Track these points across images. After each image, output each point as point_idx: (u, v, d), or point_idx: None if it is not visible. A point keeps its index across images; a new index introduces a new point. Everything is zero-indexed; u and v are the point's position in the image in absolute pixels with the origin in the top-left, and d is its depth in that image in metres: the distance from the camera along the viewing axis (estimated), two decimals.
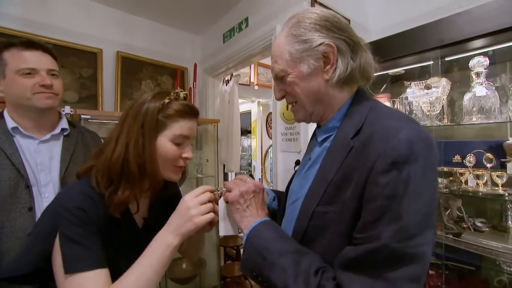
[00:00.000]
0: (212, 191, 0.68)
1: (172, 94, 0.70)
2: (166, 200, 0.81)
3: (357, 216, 0.48)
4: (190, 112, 0.71)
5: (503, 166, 1.03)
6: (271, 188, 0.84)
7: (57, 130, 1.01)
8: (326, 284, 0.46)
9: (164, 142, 0.68)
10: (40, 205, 0.91)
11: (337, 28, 0.58)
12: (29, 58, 0.92)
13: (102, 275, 0.59)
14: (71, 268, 0.57)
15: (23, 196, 0.88)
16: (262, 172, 4.08)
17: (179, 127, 0.69)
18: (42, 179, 0.93)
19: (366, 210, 0.47)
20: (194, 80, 2.33)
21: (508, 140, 0.98)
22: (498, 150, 1.06)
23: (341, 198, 0.52)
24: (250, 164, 4.40)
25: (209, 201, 0.66)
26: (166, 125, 0.68)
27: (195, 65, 2.35)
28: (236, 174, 4.39)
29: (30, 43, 0.93)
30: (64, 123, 1.05)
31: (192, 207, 0.63)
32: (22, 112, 0.94)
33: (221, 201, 0.68)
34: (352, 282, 0.45)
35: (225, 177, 3.45)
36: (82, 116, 1.45)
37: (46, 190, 0.93)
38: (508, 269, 1.01)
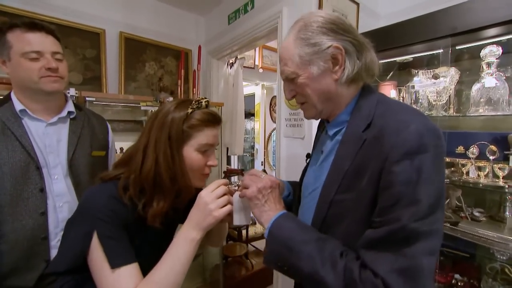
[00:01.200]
0: (225, 184, 0.71)
1: (194, 103, 0.72)
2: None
3: (373, 203, 0.53)
4: (214, 121, 0.74)
5: (506, 159, 1.04)
6: (279, 177, 0.88)
7: (64, 113, 1.02)
8: (352, 264, 0.51)
9: (190, 152, 0.71)
10: (51, 186, 0.94)
11: (343, 30, 0.61)
12: (33, 40, 0.90)
13: (137, 268, 0.65)
14: (115, 263, 0.62)
15: (34, 178, 0.91)
16: (264, 156, 4.10)
17: (204, 136, 0.72)
18: (51, 161, 0.96)
19: (383, 197, 0.52)
20: (199, 62, 2.30)
21: None
22: (502, 142, 1.06)
23: (357, 187, 0.56)
24: (253, 147, 4.43)
25: (224, 194, 0.69)
26: (191, 135, 0.71)
27: (199, 47, 2.31)
28: (238, 157, 4.44)
29: (33, 24, 0.92)
30: (70, 106, 1.06)
31: (210, 202, 0.66)
32: (29, 94, 0.95)
33: (235, 195, 0.72)
34: (376, 259, 0.49)
35: (228, 161, 3.49)
36: (87, 98, 1.46)
37: (55, 171, 0.96)
38: (501, 257, 1.04)
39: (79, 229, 0.65)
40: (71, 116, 1.05)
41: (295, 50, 0.63)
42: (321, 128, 0.85)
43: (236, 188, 0.74)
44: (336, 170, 0.62)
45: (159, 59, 2.24)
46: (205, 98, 0.75)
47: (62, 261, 0.66)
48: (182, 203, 0.77)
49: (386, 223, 0.50)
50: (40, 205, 0.91)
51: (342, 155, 0.61)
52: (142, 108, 1.79)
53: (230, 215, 0.71)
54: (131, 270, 0.63)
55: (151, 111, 2.03)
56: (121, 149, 1.90)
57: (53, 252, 0.92)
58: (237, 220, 0.73)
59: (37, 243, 0.90)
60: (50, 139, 0.97)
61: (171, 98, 1.87)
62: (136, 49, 2.09)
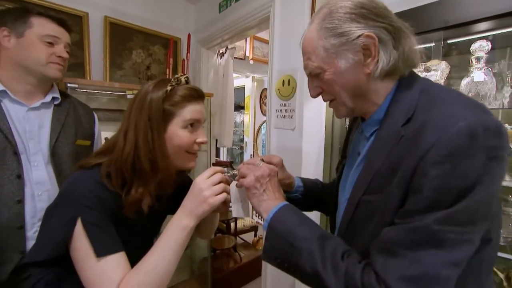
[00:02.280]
0: (222, 172, 0.68)
1: (173, 80, 0.69)
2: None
3: (402, 206, 0.47)
4: (196, 95, 0.71)
5: None
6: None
7: (48, 98, 0.98)
8: (353, 268, 0.47)
9: (176, 130, 0.68)
10: (29, 173, 0.90)
11: (376, 14, 0.52)
12: (55, 28, 0.95)
13: (124, 258, 0.61)
14: (101, 252, 0.58)
15: (10, 163, 0.86)
16: (254, 148, 4.09)
17: (188, 112, 0.69)
18: (32, 147, 0.91)
19: (410, 200, 0.45)
20: (188, 51, 2.23)
21: None
22: None
23: (387, 188, 0.49)
24: (242, 140, 4.40)
25: (220, 182, 0.66)
26: (174, 113, 0.68)
27: (189, 36, 2.24)
28: (227, 150, 4.41)
29: (63, 22, 0.98)
30: (55, 92, 1.02)
31: (205, 188, 0.63)
32: (22, 75, 0.92)
33: (233, 185, 0.69)
34: (386, 263, 0.44)
35: (217, 152, 3.45)
36: (68, 84, 1.38)
37: (35, 158, 0.92)
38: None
39: (61, 216, 0.61)
40: (55, 102, 1.01)
41: (320, 42, 0.55)
42: (354, 126, 0.77)
43: (232, 177, 0.72)
44: (367, 169, 0.55)
45: (147, 47, 2.16)
46: (184, 74, 0.71)
47: (41, 250, 0.62)
48: (166, 191, 0.74)
49: (408, 223, 0.44)
50: (16, 192, 0.86)
51: (375, 153, 0.55)
52: (128, 96, 1.73)
53: (225, 204, 0.69)
54: (118, 259, 0.60)
55: None
56: (106, 139, 1.84)
57: (30, 243, 0.88)
58: (235, 212, 0.71)
59: (12, 233, 0.85)
60: (31, 124, 0.93)
61: None
62: (122, 36, 2.00)
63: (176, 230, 0.62)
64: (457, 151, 0.41)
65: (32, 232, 0.89)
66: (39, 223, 0.90)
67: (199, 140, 0.72)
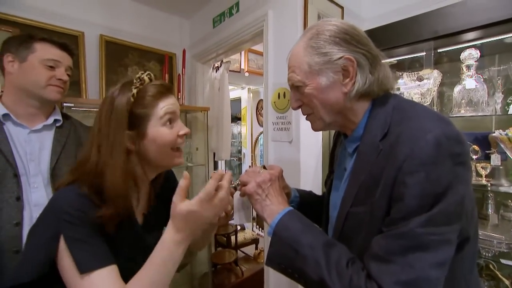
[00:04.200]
0: (229, 181, 0.66)
1: (135, 81, 0.65)
2: (167, 192, 0.78)
3: (388, 215, 0.51)
4: (165, 90, 0.68)
5: (487, 158, 1.07)
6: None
7: (50, 121, 1.00)
8: (358, 276, 0.49)
9: (156, 130, 0.65)
10: (29, 195, 0.89)
11: (357, 41, 0.58)
12: (57, 53, 0.98)
13: (114, 271, 0.58)
14: (85, 267, 0.55)
15: (10, 185, 0.86)
16: (252, 160, 4.08)
17: (161, 109, 0.66)
18: (32, 169, 0.91)
19: (394, 209, 0.49)
20: (183, 66, 2.25)
21: (494, 132, 1.00)
22: (483, 142, 1.09)
23: (371, 199, 0.54)
24: (240, 152, 4.39)
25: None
26: (149, 114, 0.65)
27: (184, 51, 2.27)
28: (226, 162, 4.38)
29: (65, 46, 1.01)
30: (57, 114, 1.04)
31: (206, 213, 0.58)
32: (24, 98, 0.94)
33: (236, 195, 0.70)
34: (380, 270, 0.47)
35: (215, 166, 3.44)
36: (64, 104, 1.38)
37: (35, 180, 0.91)
38: (486, 254, 1.06)
39: (42, 234, 0.58)
40: (57, 124, 1.03)
41: (305, 58, 0.60)
42: (338, 142, 0.82)
43: (234, 188, 0.71)
44: (352, 182, 0.59)
45: (142, 63, 2.18)
46: (146, 71, 0.68)
47: (27, 271, 0.58)
48: (151, 190, 0.72)
49: (394, 230, 0.48)
50: (15, 215, 0.85)
51: (358, 167, 0.59)
52: None
53: (226, 217, 0.68)
54: (106, 273, 0.56)
55: None
56: None
57: None
58: (237, 219, 0.72)
59: (8, 257, 0.83)
60: (31, 147, 0.94)
61: None
62: (117, 53, 2.02)
63: (171, 244, 0.58)
64: (428, 159, 0.46)
65: None
66: None
67: (181, 132, 0.69)
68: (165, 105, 0.66)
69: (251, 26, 1.70)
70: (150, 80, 0.67)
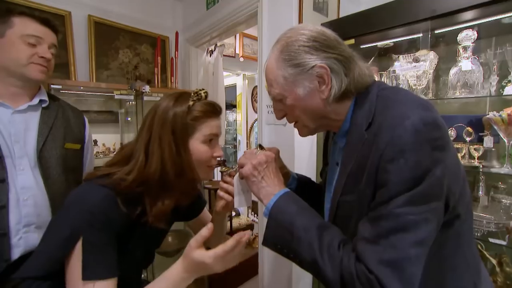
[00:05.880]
0: (231, 175, 0.73)
1: (193, 95, 0.71)
2: None
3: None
4: (216, 111, 0.73)
5: (480, 140, 1.07)
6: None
7: (35, 101, 0.96)
8: (348, 257, 0.50)
9: (196, 145, 0.69)
10: (14, 177, 0.87)
11: (327, 46, 0.58)
12: (38, 28, 0.92)
13: (112, 285, 0.60)
14: (89, 275, 0.57)
15: None
16: (247, 147, 4.07)
17: (208, 127, 0.70)
18: (17, 151, 0.88)
19: (378, 194, 0.51)
20: (176, 49, 2.20)
21: (488, 114, 1.00)
22: (477, 124, 1.09)
23: (358, 187, 0.55)
24: (235, 139, 4.38)
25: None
26: (195, 127, 0.69)
27: (177, 33, 2.21)
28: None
29: (47, 21, 0.94)
30: (43, 95, 0.99)
31: (216, 266, 0.60)
32: (4, 77, 0.90)
33: (236, 177, 0.72)
34: (365, 250, 0.49)
35: None
36: (52, 86, 1.33)
37: (21, 162, 0.89)
38: (476, 234, 1.08)
39: (62, 230, 0.59)
40: (43, 105, 0.98)
41: (279, 72, 0.61)
42: (329, 135, 0.83)
43: (237, 169, 0.73)
44: (342, 172, 0.61)
45: (134, 46, 2.12)
46: (203, 89, 0.73)
47: (34, 266, 0.60)
48: (186, 201, 0.76)
49: (376, 213, 0.50)
50: (0, 197, 0.82)
51: (347, 156, 0.60)
52: (116, 97, 1.69)
53: (227, 207, 0.73)
54: (107, 285, 0.58)
55: (130, 102, 1.93)
56: (95, 141, 1.79)
57: (14, 251, 0.84)
58: (237, 203, 0.73)
59: None
60: (16, 128, 0.90)
61: (147, 87, 1.78)
62: (108, 35, 1.95)
63: (177, 278, 0.60)
64: (406, 146, 0.47)
65: (16, 239, 0.85)
66: (25, 230, 0.86)
67: (215, 154, 0.73)
68: (213, 125, 0.71)
69: (245, 7, 1.65)
70: (206, 97, 0.73)
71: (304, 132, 0.69)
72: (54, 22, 0.98)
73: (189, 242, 0.59)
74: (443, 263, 0.55)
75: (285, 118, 1.41)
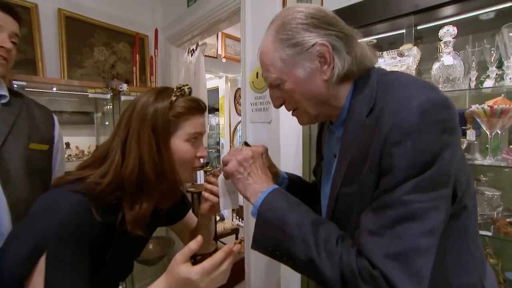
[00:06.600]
0: (215, 175, 0.68)
1: (176, 90, 0.66)
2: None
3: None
4: (200, 108, 0.68)
5: (463, 134, 1.09)
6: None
7: None
8: (348, 253, 0.46)
9: (178, 144, 0.64)
10: None
11: (326, 23, 0.54)
12: None
13: None
14: None
15: None
16: (231, 149, 4.01)
17: (192, 125, 0.65)
18: None
19: (382, 181, 0.46)
20: (155, 47, 2.11)
21: (471, 108, 1.01)
22: (460, 118, 1.10)
23: (359, 177, 0.51)
24: (218, 143, 4.30)
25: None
26: (178, 124, 0.64)
27: (156, 31, 2.13)
28: None
29: (7, 7, 0.85)
30: (2, 89, 0.88)
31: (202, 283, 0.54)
32: None
33: (220, 177, 0.66)
34: (368, 245, 0.45)
35: None
36: (15, 82, 1.20)
37: None
38: None
39: (24, 244, 0.50)
40: (3, 101, 0.88)
41: (276, 54, 0.56)
42: (324, 127, 0.78)
43: (221, 168, 0.67)
44: (341, 162, 0.56)
45: (110, 44, 2.01)
46: (187, 84, 0.68)
47: None
48: (167, 204, 0.69)
49: (381, 201, 0.46)
50: None
51: (346, 146, 0.56)
52: (90, 95, 1.59)
53: (213, 209, 0.68)
54: None
55: (108, 106, 1.82)
56: (67, 144, 1.66)
57: None
58: (223, 205, 0.67)
59: None
60: None
61: (125, 85, 1.69)
62: (81, 31, 1.84)
63: None
64: (413, 128, 0.43)
65: None
66: None
67: (199, 154, 0.68)
68: (197, 122, 0.66)
69: (227, 4, 1.62)
70: (190, 93, 0.68)
71: (305, 118, 0.63)
72: (16, 8, 0.88)
73: (175, 256, 0.53)
74: (449, 257, 0.52)
75: (271, 114, 1.37)
